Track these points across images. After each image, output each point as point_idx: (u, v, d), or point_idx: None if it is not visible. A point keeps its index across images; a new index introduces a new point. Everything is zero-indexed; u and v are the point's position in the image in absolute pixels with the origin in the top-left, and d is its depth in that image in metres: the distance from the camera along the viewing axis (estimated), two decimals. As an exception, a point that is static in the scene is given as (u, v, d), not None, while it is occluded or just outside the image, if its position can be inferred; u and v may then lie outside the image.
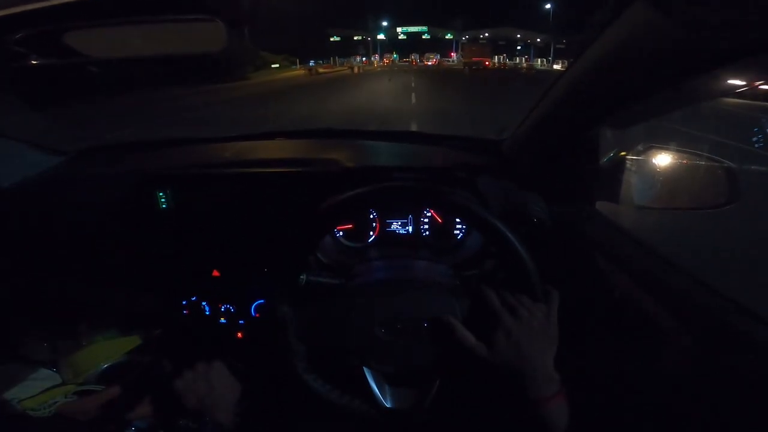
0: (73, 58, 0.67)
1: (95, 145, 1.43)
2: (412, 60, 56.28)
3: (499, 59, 50.08)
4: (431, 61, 53.70)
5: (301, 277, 0.78)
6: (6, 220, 1.15)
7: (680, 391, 0.67)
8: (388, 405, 0.79)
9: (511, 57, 58.68)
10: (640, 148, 0.92)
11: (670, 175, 0.93)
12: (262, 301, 1.10)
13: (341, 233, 1.09)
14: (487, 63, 42.11)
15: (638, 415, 0.74)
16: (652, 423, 0.71)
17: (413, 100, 14.38)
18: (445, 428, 0.86)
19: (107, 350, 1.22)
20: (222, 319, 1.14)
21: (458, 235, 1.08)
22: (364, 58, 64.61)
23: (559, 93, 0.87)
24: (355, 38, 74.83)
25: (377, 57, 65.41)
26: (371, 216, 1.08)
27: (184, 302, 1.15)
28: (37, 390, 1.12)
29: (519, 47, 70.97)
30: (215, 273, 1.12)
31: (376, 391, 0.79)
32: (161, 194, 1.06)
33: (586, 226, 0.97)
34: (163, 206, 1.06)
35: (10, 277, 1.20)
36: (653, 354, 0.72)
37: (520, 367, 0.67)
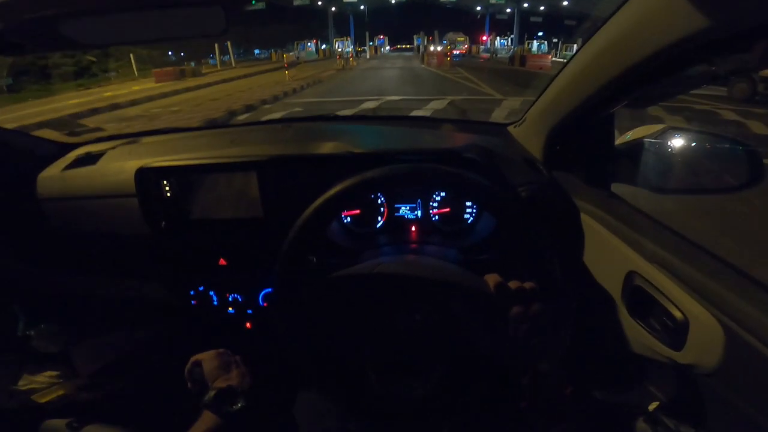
0: (70, 47, 0.65)
1: (102, 136, 1.42)
2: (418, 49, 35.97)
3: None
4: (460, 50, 33.85)
5: (311, 258, 0.77)
6: (15, 212, 1.15)
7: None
8: (392, 395, 0.79)
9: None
10: (659, 129, 0.88)
11: (690, 158, 0.89)
12: (269, 290, 1.10)
13: (349, 219, 1.07)
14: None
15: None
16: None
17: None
18: (451, 419, 0.86)
19: (117, 342, 1.24)
20: (230, 308, 1.14)
21: (468, 219, 1.05)
22: (315, 46, 38.29)
23: (572, 74, 0.84)
24: (297, 2, 39.46)
25: (344, 45, 35.98)
26: (379, 201, 1.06)
27: (191, 292, 1.14)
28: (49, 383, 1.14)
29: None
30: (222, 262, 1.11)
31: (379, 381, 0.79)
32: (165, 183, 1.05)
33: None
34: (168, 195, 1.05)
35: (22, 270, 1.21)
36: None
37: (529, 358, 0.65)
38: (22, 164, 1.18)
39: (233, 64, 27.22)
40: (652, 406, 0.71)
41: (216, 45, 26.20)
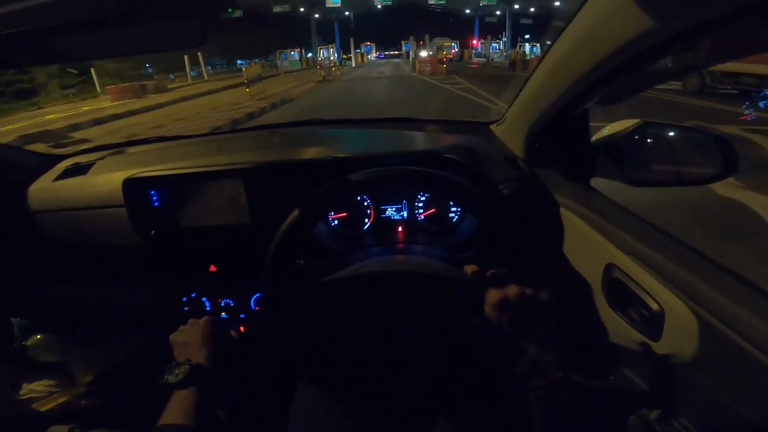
0: (50, 60, 0.65)
1: (88, 147, 1.43)
2: (407, 55, 33.46)
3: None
4: (448, 55, 29.80)
5: (298, 261, 0.78)
6: (7, 224, 1.15)
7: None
8: (385, 392, 0.80)
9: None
10: (633, 124, 0.91)
11: (665, 151, 0.92)
12: (260, 293, 1.11)
13: (336, 222, 1.09)
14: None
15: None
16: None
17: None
18: (442, 414, 0.87)
19: (113, 350, 1.24)
20: (223, 313, 1.16)
21: (453, 218, 1.08)
22: (299, 55, 36.34)
23: (544, 73, 0.86)
24: (277, 9, 37.28)
25: (329, 53, 32.58)
26: (365, 203, 1.08)
27: (184, 299, 1.16)
28: (48, 392, 1.14)
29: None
30: (212, 268, 1.12)
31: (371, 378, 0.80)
32: (153, 193, 1.05)
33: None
34: (156, 204, 1.06)
35: (16, 281, 1.21)
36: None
37: (516, 350, 0.67)
38: (10, 177, 1.18)
39: (206, 77, 24.91)
40: (653, 414, 0.72)
41: (186, 57, 24.41)
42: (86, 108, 14.42)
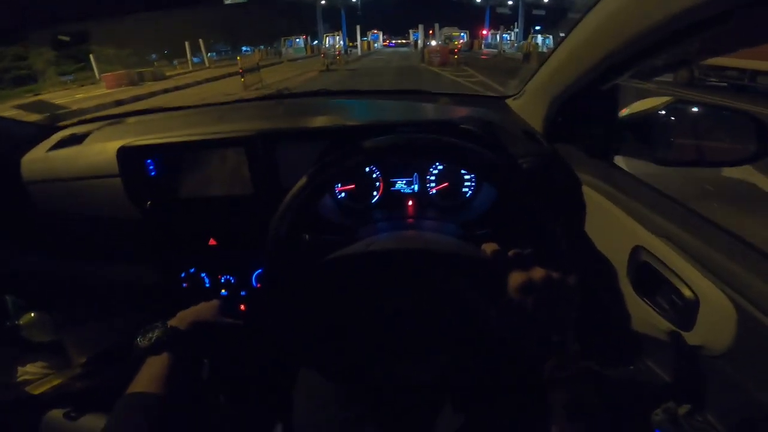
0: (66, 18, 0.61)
1: (86, 118, 1.39)
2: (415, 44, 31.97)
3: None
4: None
5: (303, 236, 0.74)
6: (2, 197, 1.11)
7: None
8: (397, 381, 0.76)
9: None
10: (664, 101, 0.86)
11: (695, 131, 0.87)
12: (262, 270, 1.07)
13: (343, 194, 1.04)
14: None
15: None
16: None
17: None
18: (452, 405, 0.83)
19: (109, 329, 1.20)
20: (223, 290, 1.11)
21: (467, 192, 1.03)
22: (304, 42, 33.76)
23: (573, 46, 0.82)
24: None
25: (335, 40, 31.38)
26: (374, 175, 1.03)
27: (182, 275, 1.11)
28: (42, 374, 1.12)
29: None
30: (212, 242, 1.07)
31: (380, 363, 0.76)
32: (149, 162, 1.01)
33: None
34: (152, 174, 1.01)
35: (9, 257, 1.17)
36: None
37: (537, 338, 0.62)
38: (3, 146, 1.14)
39: (207, 64, 24.21)
40: (683, 409, 0.68)
41: (186, 43, 23.71)
42: (80, 96, 13.84)
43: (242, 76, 12.23)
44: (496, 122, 1.01)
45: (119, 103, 11.25)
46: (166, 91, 13.71)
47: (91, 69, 20.17)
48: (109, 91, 15.01)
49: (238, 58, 15.29)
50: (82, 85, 18.96)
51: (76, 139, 1.15)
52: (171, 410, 0.61)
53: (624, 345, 0.81)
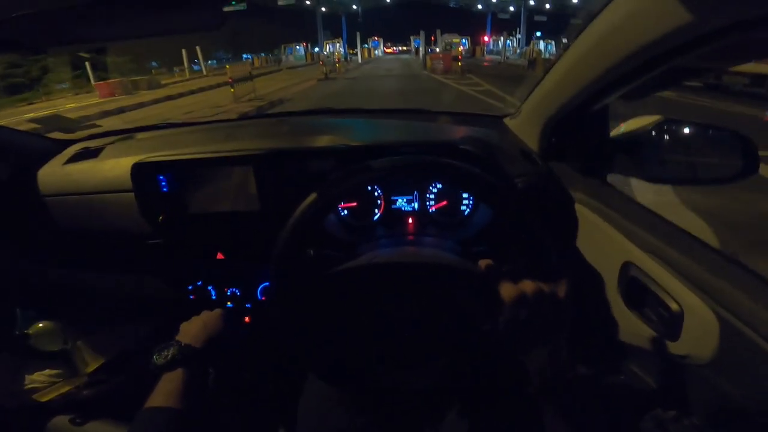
0: (64, 42, 0.64)
1: (97, 132, 1.42)
2: (417, 51, 31.38)
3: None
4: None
5: (309, 251, 0.77)
6: (15, 209, 1.14)
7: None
8: (398, 387, 0.79)
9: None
10: (654, 120, 0.89)
11: (685, 149, 0.89)
12: (268, 283, 1.09)
13: (346, 212, 1.07)
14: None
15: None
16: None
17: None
18: (450, 411, 0.86)
19: (116, 339, 1.23)
20: (228, 303, 1.14)
21: (465, 211, 1.06)
22: (304, 50, 33.39)
23: (566, 66, 0.84)
24: (282, 2, 34.06)
25: (335, 47, 30.59)
26: (376, 193, 1.06)
27: (189, 287, 1.14)
28: (50, 382, 1.14)
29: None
30: (220, 256, 1.11)
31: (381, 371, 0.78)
32: (162, 178, 1.04)
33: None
34: (164, 189, 1.05)
35: (21, 267, 1.20)
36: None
37: (530, 347, 0.65)
38: (20, 161, 1.17)
39: (204, 72, 24.48)
40: (668, 415, 0.71)
41: (183, 51, 24.12)
42: (70, 105, 13.61)
43: (232, 87, 11.34)
44: (495, 142, 1.04)
45: (105, 114, 11.21)
46: (157, 101, 13.45)
47: (88, 77, 19.91)
48: (101, 100, 14.88)
49: (227, 66, 14.02)
50: (77, 94, 18.87)
51: (90, 153, 1.18)
52: (187, 423, 0.66)
53: (614, 354, 0.84)
